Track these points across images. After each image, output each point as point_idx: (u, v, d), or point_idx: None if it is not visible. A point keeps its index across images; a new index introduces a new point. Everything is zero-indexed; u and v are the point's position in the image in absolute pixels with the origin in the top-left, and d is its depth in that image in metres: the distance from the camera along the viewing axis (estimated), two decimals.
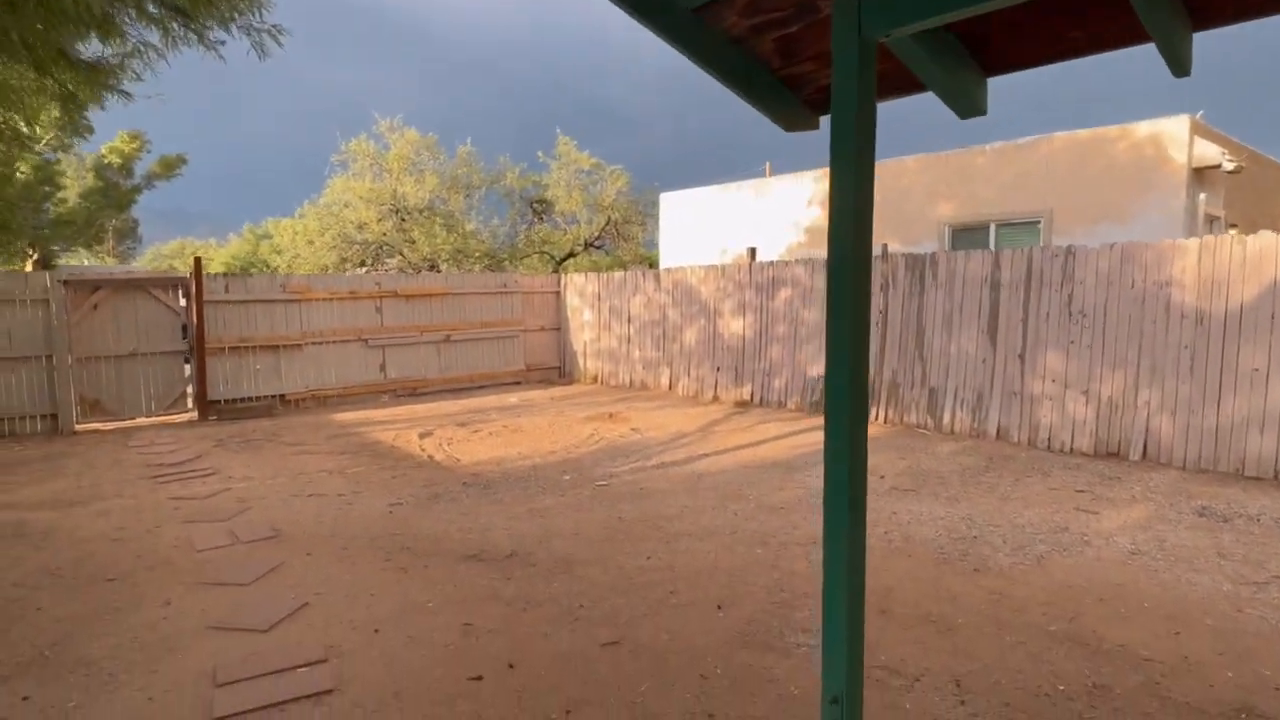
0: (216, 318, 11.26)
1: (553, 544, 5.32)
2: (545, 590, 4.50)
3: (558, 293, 15.12)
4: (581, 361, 14.67)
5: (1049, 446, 8.01)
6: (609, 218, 19.39)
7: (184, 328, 11.14)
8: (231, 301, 11.40)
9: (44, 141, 34.59)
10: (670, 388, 12.74)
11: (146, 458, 8.44)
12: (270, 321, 11.77)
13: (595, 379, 14.35)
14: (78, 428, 10.27)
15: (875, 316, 9.70)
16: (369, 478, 7.34)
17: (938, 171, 11.91)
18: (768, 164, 15.58)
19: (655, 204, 20.59)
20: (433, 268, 16.87)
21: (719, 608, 4.21)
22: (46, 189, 36.73)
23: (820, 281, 10.33)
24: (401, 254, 17.21)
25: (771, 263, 11.05)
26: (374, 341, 12.79)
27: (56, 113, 30.12)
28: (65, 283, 10.08)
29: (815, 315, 10.39)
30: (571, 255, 20.61)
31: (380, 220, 17.16)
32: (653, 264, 19.42)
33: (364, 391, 12.73)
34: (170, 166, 40.18)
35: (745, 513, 5.99)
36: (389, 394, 13.04)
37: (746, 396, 11.35)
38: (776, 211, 14.46)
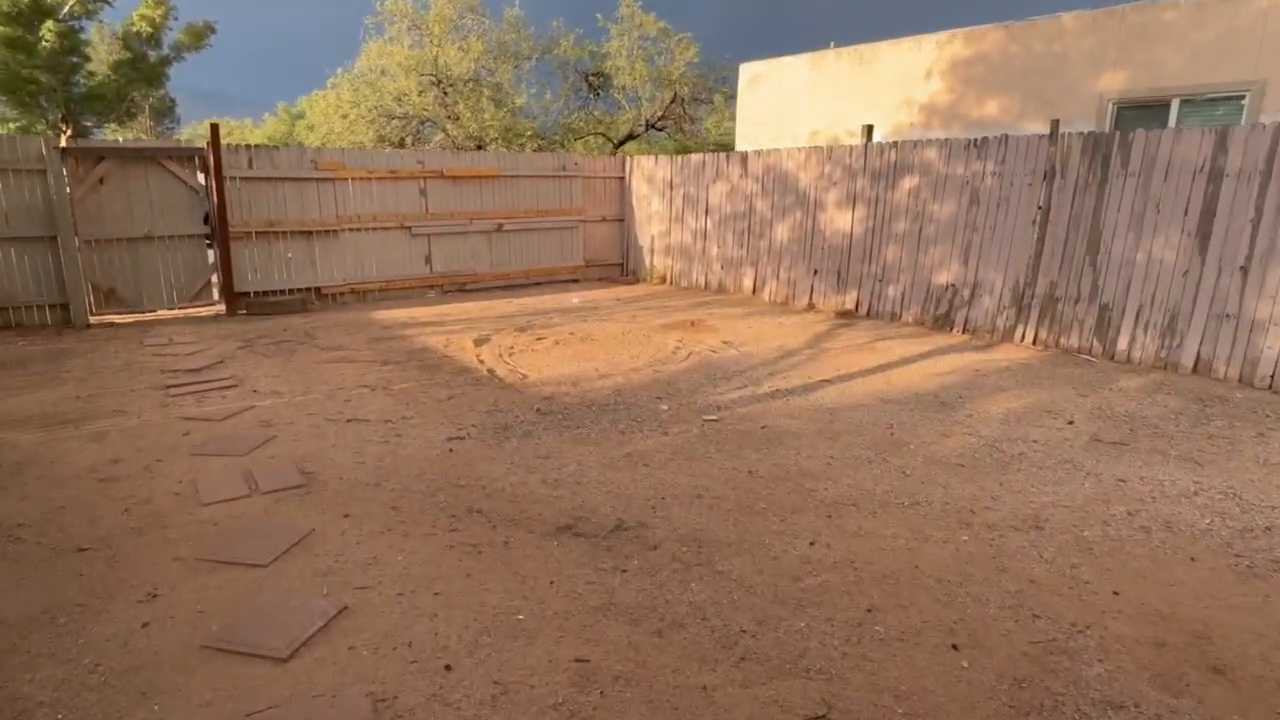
0: (240, 198, 9.79)
1: (671, 511, 3.93)
2: (681, 596, 3.12)
3: (622, 178, 13.27)
4: (648, 258, 13.00)
5: (1271, 386, 6.29)
6: (675, 93, 17.10)
7: (205, 207, 9.71)
8: (256, 179, 9.88)
9: (67, 7, 32.68)
10: (755, 292, 11.08)
11: (162, 360, 7.21)
12: (301, 203, 10.27)
13: (664, 279, 12.72)
14: (92, 320, 9.09)
15: (1032, 214, 7.81)
16: (420, 397, 6.00)
17: (1107, 33, 9.56)
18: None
19: (726, 80, 18.20)
20: (479, 148, 15.04)
21: (954, 648, 2.79)
22: (74, 60, 34.97)
23: (960, 168, 8.39)
24: (445, 131, 15.36)
25: (895, 144, 9.06)
26: (418, 230, 11.26)
27: None
28: (63, 150, 8.62)
29: (949, 210, 8.51)
30: (631, 138, 18.49)
31: (421, 92, 15.23)
32: (725, 148, 17.23)
33: (407, 286, 11.33)
34: (198, 36, 37.98)
35: (915, 471, 4.51)
36: (435, 289, 11.63)
37: (850, 305, 9.66)
38: (883, 86, 12.20)
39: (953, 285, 8.54)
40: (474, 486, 4.24)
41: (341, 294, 10.79)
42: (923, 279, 8.85)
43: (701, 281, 11.99)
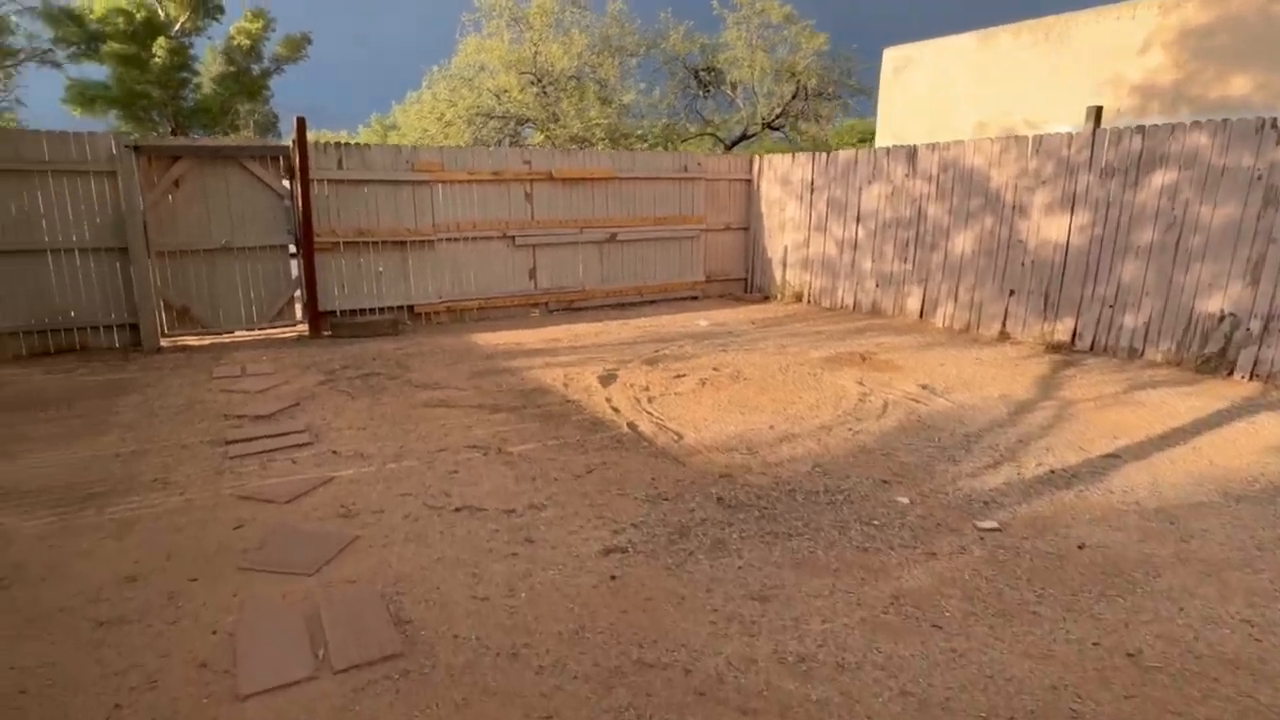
0: (328, 203, 8.55)
1: None
2: None
3: (749, 180, 11.52)
4: (779, 273, 11.19)
5: None
6: (797, 87, 15.25)
7: (289, 214, 8.52)
8: (346, 181, 8.62)
9: (179, 24, 33.36)
10: (923, 315, 9.10)
11: (229, 400, 5.89)
12: (395, 209, 8.96)
13: (799, 297, 10.87)
14: (163, 343, 7.98)
15: None
16: (548, 467, 4.39)
17: None
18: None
19: (852, 72, 16.23)
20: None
21: None
22: (183, 75, 35.91)
23: (1246, 158, 6.25)
24: (546, 131, 14.02)
25: (1140, 129, 6.97)
26: (522, 239, 9.81)
27: None
28: (136, 149, 7.54)
29: (1226, 214, 6.37)
30: (744, 138, 16.76)
31: (521, 90, 13.96)
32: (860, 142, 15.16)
33: (509, 304, 9.89)
34: (295, 47, 38.52)
35: None
36: (539, 308, 10.16)
37: (1064, 336, 7.58)
38: (1077, 66, 10.04)
39: (1230, 315, 6.38)
40: (670, 666, 2.55)
41: (437, 313, 9.43)
42: (1180, 305, 6.71)
43: (849, 301, 10.08)
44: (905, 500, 3.92)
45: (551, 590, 3.04)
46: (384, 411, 5.57)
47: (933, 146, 8.83)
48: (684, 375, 6.62)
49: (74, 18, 32.16)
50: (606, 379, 6.53)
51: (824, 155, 10.37)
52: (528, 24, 15.04)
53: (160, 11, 31.97)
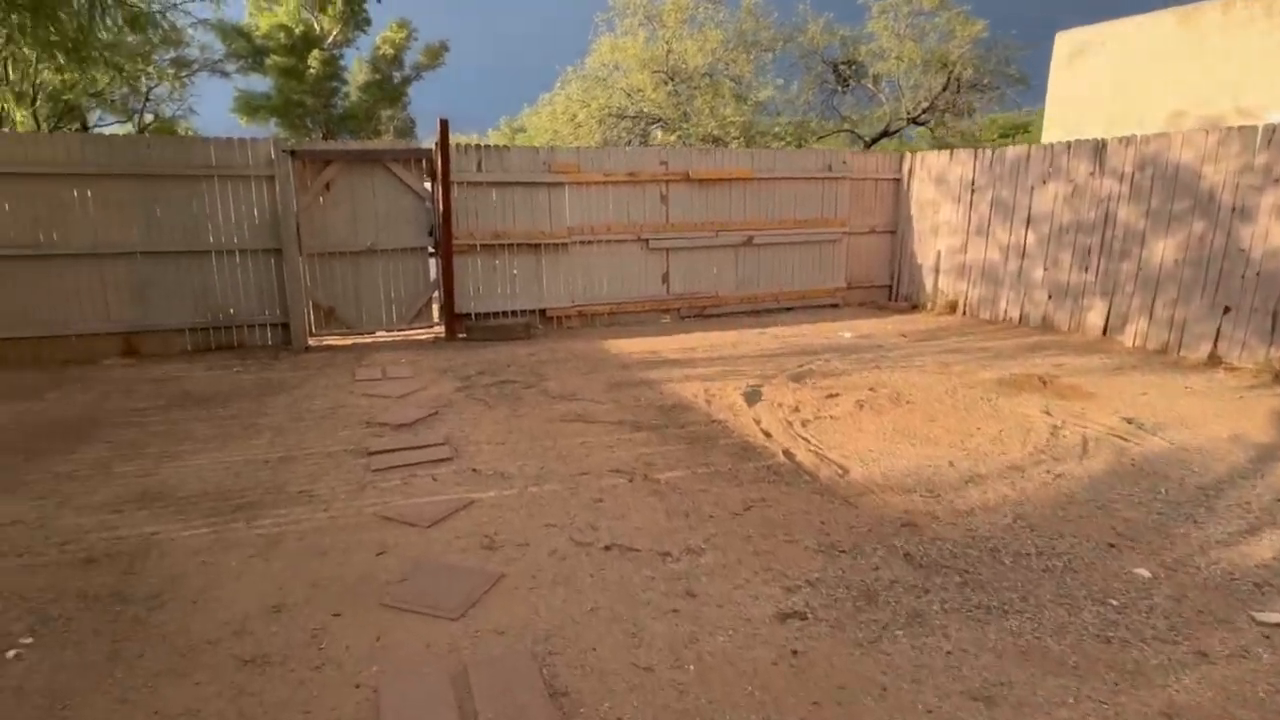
0: (466, 205, 8.53)
1: None
2: None
3: (898, 180, 10.66)
4: (930, 280, 10.27)
5: None
6: (950, 77, 14.09)
7: (429, 216, 8.57)
8: (484, 184, 8.58)
9: (331, 37, 35.61)
10: (1106, 332, 8.00)
11: (370, 405, 5.86)
12: (531, 211, 8.84)
13: (953, 307, 9.92)
14: (310, 342, 8.21)
15: None
16: (701, 501, 3.97)
17: None
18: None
19: (1011, 60, 14.85)
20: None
21: None
22: (334, 84, 38.33)
23: None
24: (679, 131, 13.65)
25: None
26: (657, 242, 9.47)
27: (340, 3, 29.62)
28: (292, 154, 7.76)
29: None
30: (886, 134, 15.73)
31: (654, 88, 13.67)
32: (997, 143, 13.72)
33: (640, 309, 9.57)
34: (435, 56, 40.29)
35: None
36: (670, 314, 9.78)
37: None
38: None
39: None
40: None
41: (568, 317, 9.25)
42: None
43: (1014, 313, 9.06)
44: (1146, 573, 3.20)
45: (724, 664, 2.60)
46: (522, 424, 5.33)
47: (1126, 140, 7.72)
48: (837, 395, 6.01)
49: (243, 34, 34.92)
50: (751, 396, 6.03)
51: (988, 152, 9.38)
52: (661, 22, 14.73)
53: (316, 26, 34.17)
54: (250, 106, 29.47)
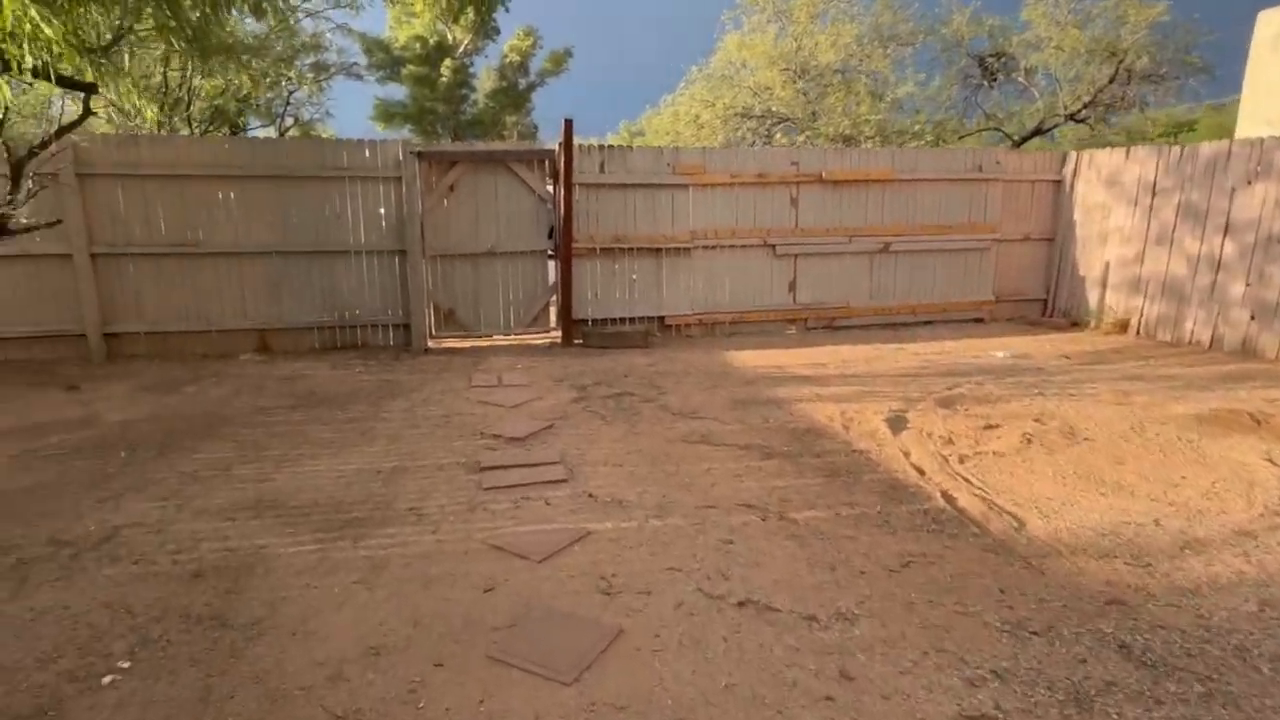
0: (587, 207, 8.28)
1: None
2: None
3: (1058, 181, 9.53)
4: (1094, 294, 9.10)
5: None
6: (1119, 67, 12.58)
7: (549, 219, 8.38)
8: (606, 185, 8.29)
9: (463, 46, 37.00)
10: None
11: (485, 414, 5.64)
12: (653, 214, 8.48)
13: (1124, 326, 8.72)
14: (430, 344, 8.19)
15: None
16: (848, 551, 3.40)
17: None
18: None
19: (1192, 47, 13.10)
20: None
21: None
22: (463, 91, 39.87)
23: None
24: (811, 129, 12.93)
25: None
26: (784, 248, 8.87)
27: (471, 14, 30.47)
28: (419, 155, 7.77)
29: None
30: (1038, 132, 14.30)
31: (783, 86, 13.02)
32: (1162, 141, 11.86)
33: (764, 318, 9.00)
34: (559, 62, 41.05)
35: None
36: (796, 324, 9.15)
37: None
38: None
39: None
40: None
41: (687, 326, 8.82)
42: None
43: (1204, 336, 7.82)
44: None
45: None
46: (641, 444, 4.93)
47: None
48: (996, 426, 5.24)
49: (384, 47, 36.82)
50: (895, 423, 5.36)
51: (1175, 149, 8.17)
52: (791, 18, 14.05)
53: (449, 36, 35.64)
54: (387, 114, 31.20)
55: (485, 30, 39.23)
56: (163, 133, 7.70)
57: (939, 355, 7.75)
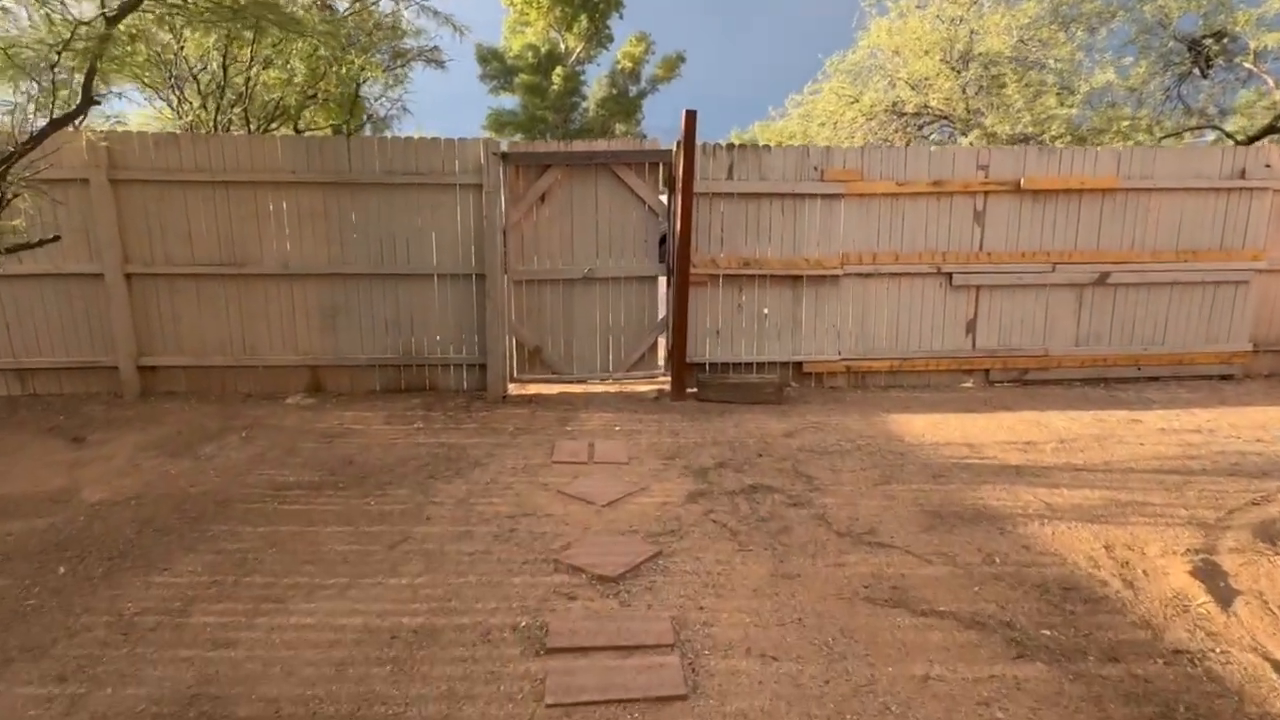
0: (710, 222, 6.56)
1: None
2: None
3: None
4: None
5: None
6: None
7: (661, 237, 6.71)
8: (735, 195, 6.53)
9: (574, 54, 36.32)
10: None
11: (566, 515, 3.98)
12: (793, 232, 6.65)
13: None
14: (511, 388, 6.68)
15: None
16: None
17: None
18: None
19: None
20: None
21: None
22: (573, 99, 39.25)
23: None
24: (981, 127, 10.67)
25: None
26: (962, 277, 6.81)
27: (585, 23, 29.61)
28: (505, 157, 6.28)
29: None
30: (1271, 131, 11.41)
31: (944, 77, 10.82)
32: None
33: (931, 367, 6.95)
34: (671, 67, 39.62)
35: None
36: (975, 375, 7.05)
37: None
38: None
39: None
40: None
41: (831, 374, 6.90)
42: None
43: None
44: None
45: None
46: (799, 601, 3.12)
47: None
48: None
49: (498, 56, 36.54)
50: (1208, 576, 3.30)
51: None
52: None
53: (561, 44, 35.04)
54: (499, 123, 30.95)
55: (599, 38, 38.42)
56: (213, 133, 6.56)
57: (1198, 435, 5.49)
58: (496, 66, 36.88)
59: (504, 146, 6.35)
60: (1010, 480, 4.56)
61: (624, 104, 38.27)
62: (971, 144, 10.87)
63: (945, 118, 11.59)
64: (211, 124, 7.08)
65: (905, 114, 11.40)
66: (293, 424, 5.67)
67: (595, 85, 37.02)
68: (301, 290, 6.34)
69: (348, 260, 6.32)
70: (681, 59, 38.58)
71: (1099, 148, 7.02)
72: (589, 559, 3.43)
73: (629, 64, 37.51)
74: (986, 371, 7.03)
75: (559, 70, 36.72)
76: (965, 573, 3.39)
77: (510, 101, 38.88)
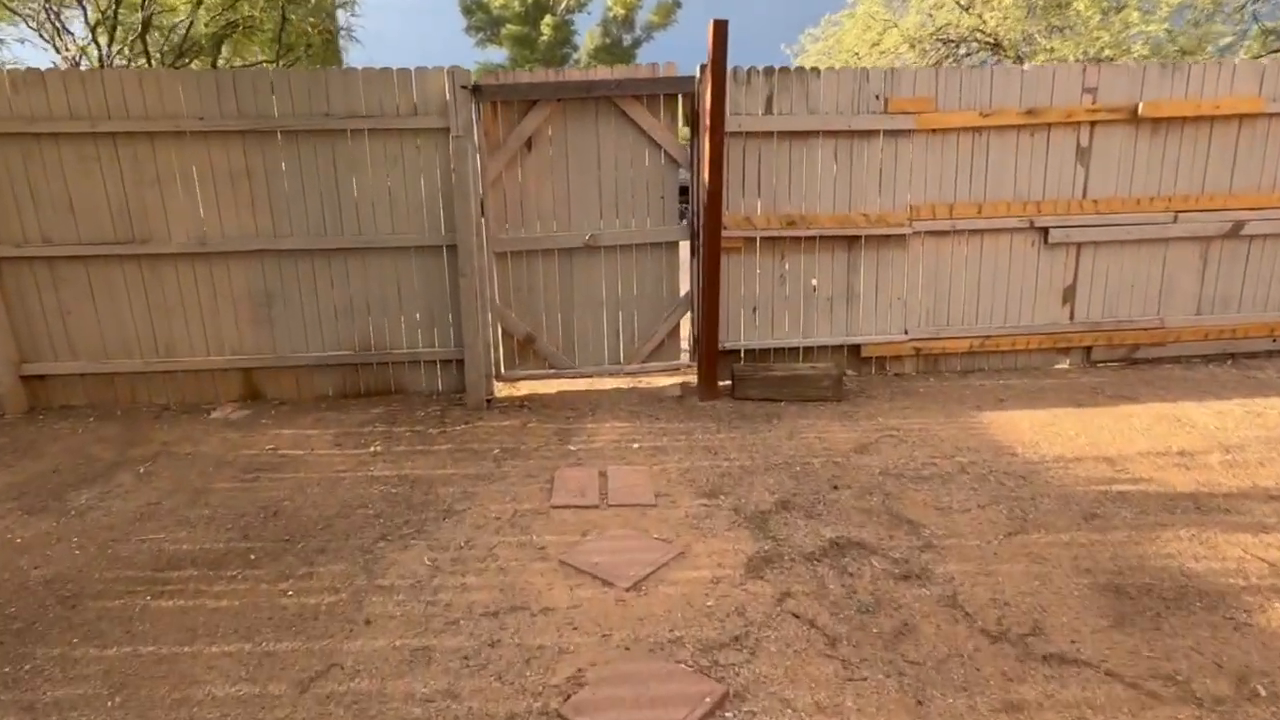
0: (744, 170, 5.13)
1: None
2: None
3: None
4: None
5: None
6: None
7: (682, 189, 5.30)
8: (775, 134, 5.09)
9: (564, 3, 34.12)
10: None
11: (571, 601, 2.67)
12: (848, 179, 5.23)
13: None
14: (498, 387, 5.34)
15: None
16: None
17: None
18: None
19: None
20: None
21: None
22: (565, 50, 37.17)
23: None
24: (1047, 53, 9.10)
25: None
26: (1061, 231, 5.40)
27: None
28: (477, 91, 4.82)
29: None
30: None
31: None
32: None
33: (1018, 346, 5.59)
34: (667, 13, 37.46)
35: None
36: (1071, 354, 5.70)
37: None
38: None
39: None
40: None
41: (897, 358, 5.55)
42: None
43: None
44: None
45: None
46: None
47: None
48: None
49: (483, 7, 34.32)
50: None
51: None
52: None
53: None
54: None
55: None
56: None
57: None
58: (482, 18, 34.69)
59: (476, 78, 4.89)
60: (1194, 520, 3.24)
61: (618, 54, 36.20)
62: None
63: (996, 45, 10.00)
64: (101, 62, 5.59)
65: (952, 40, 9.80)
66: (213, 450, 4.34)
67: (587, 36, 34.91)
68: (225, 272, 4.95)
69: (282, 232, 4.92)
70: (677, 4, 36.36)
71: (1236, 60, 5.54)
72: (614, 714, 2.13)
73: (621, 10, 35.31)
74: (1088, 350, 5.68)
75: (548, 20, 34.50)
76: (1223, 718, 2.09)
77: (498, 55, 36.60)
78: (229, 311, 5.00)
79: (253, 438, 4.52)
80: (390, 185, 4.91)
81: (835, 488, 3.65)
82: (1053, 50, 9.02)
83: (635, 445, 4.29)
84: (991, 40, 9.76)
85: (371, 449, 4.33)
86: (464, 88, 4.75)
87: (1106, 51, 8.93)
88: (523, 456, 4.16)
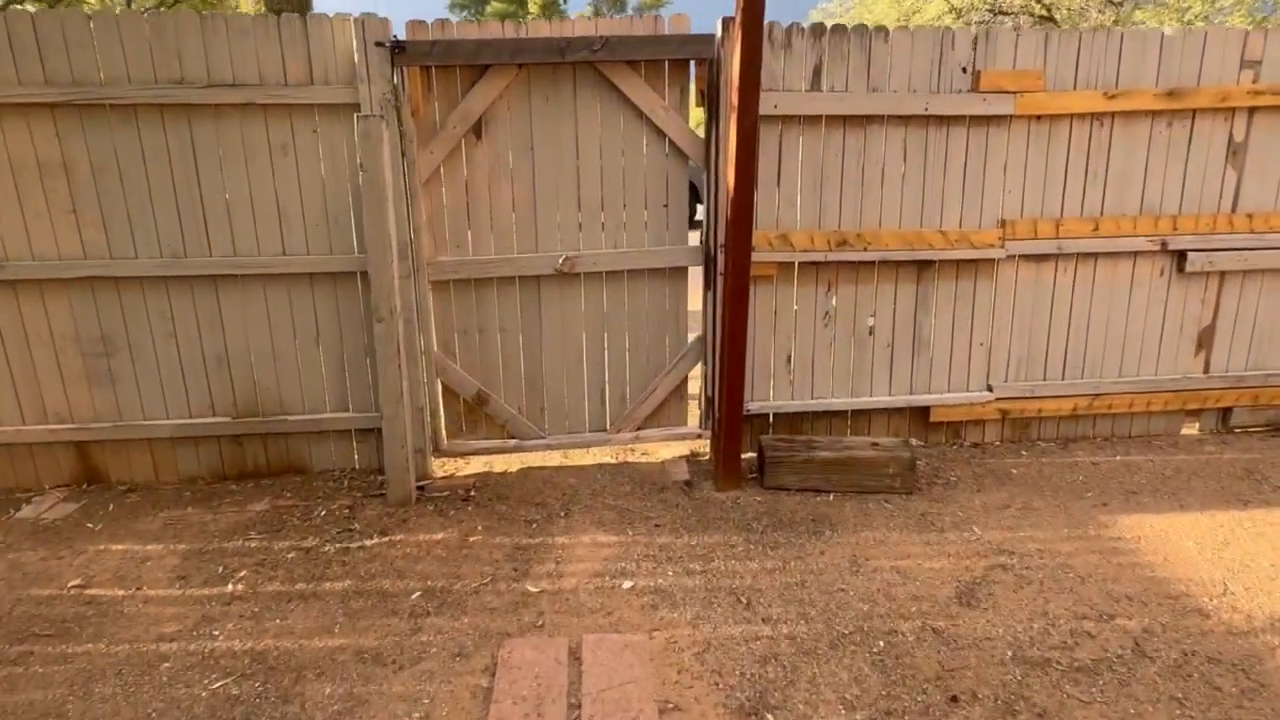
0: (780, 167, 3.67)
1: None
2: None
3: None
4: None
5: None
6: None
7: (692, 187, 3.85)
8: (824, 118, 3.64)
9: None
10: None
11: None
12: (920, 183, 3.79)
13: None
14: (439, 466, 3.89)
15: None
16: None
17: None
18: None
19: None
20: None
21: None
22: None
23: None
24: (1100, 20, 7.71)
25: None
26: (1201, 257, 3.99)
27: None
28: (399, 50, 3.33)
29: None
30: None
31: None
32: None
33: (1136, 407, 4.18)
34: None
35: None
36: (1204, 417, 4.30)
37: None
38: None
39: None
40: None
41: (976, 423, 4.14)
42: None
43: None
44: None
45: None
46: None
47: None
48: None
49: None
50: None
51: None
52: None
53: None
54: None
55: None
56: None
57: None
58: None
59: (402, 33, 3.40)
60: None
61: None
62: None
63: (1049, 18, 8.55)
64: None
65: (1005, 11, 8.35)
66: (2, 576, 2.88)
67: (577, 16, 33.31)
68: (38, 308, 3.46)
69: (121, 252, 3.43)
70: None
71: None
72: None
73: None
74: (1224, 412, 4.29)
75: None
76: None
77: None
78: (49, 363, 3.52)
79: (60, 560, 3.06)
80: (279, 186, 3.43)
81: (953, 697, 2.24)
82: (1123, 16, 7.59)
83: (627, 585, 2.87)
84: (1047, 11, 8.34)
85: (230, 585, 2.88)
86: (380, 45, 3.26)
87: (1198, 23, 7.53)
88: (454, 607, 2.73)
